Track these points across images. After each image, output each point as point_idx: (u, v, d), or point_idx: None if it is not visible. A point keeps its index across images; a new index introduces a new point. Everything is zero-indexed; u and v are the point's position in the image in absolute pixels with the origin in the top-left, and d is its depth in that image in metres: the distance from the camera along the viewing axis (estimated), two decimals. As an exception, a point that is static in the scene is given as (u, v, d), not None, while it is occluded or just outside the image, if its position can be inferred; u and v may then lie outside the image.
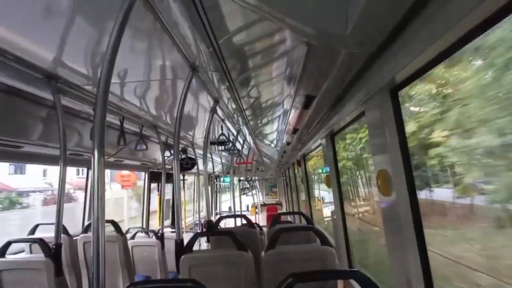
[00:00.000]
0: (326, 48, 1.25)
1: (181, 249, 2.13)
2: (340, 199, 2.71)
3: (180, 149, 4.87)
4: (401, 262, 1.34)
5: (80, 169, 8.50)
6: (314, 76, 1.63)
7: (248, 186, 10.02)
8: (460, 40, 0.97)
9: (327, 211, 4.86)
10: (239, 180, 8.77)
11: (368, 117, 1.58)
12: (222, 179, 10.70)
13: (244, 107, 2.83)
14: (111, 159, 4.00)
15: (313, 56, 1.35)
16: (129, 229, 4.47)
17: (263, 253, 2.15)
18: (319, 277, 1.27)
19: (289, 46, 1.53)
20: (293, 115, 2.71)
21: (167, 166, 4.30)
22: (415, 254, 1.27)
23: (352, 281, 2.15)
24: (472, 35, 0.94)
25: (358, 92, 1.63)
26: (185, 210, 7.03)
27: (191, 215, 8.65)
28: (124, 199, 11.14)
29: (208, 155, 3.76)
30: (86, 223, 3.91)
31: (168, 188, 6.10)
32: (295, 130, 3.21)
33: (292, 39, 1.41)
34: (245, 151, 6.63)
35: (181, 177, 5.95)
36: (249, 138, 4.98)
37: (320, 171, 5.33)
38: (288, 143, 4.34)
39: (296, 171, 6.60)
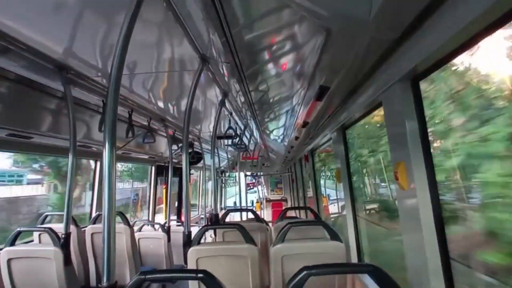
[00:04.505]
0: (345, 34, 1.20)
1: (189, 241, 2.13)
2: (351, 194, 2.67)
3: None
4: (420, 260, 1.30)
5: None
6: (331, 65, 1.58)
7: (253, 181, 10.03)
8: (488, 28, 0.91)
9: (335, 208, 4.82)
10: (245, 175, 8.78)
11: (386, 108, 1.53)
12: (228, 174, 10.72)
13: (253, 101, 2.79)
14: (119, 152, 4.01)
15: (331, 44, 1.31)
16: (135, 221, 4.51)
17: (271, 247, 2.13)
18: (333, 270, 1.23)
19: (305, 36, 1.48)
20: (303, 108, 2.66)
21: (173, 160, 4.31)
22: (435, 252, 1.23)
23: (363, 277, 2.13)
24: (500, 23, 0.89)
25: (376, 82, 1.58)
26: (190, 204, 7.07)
27: (195, 209, 8.70)
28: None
29: (215, 149, 3.76)
30: (94, 214, 3.94)
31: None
32: (304, 124, 3.16)
33: (310, 28, 1.36)
34: (251, 146, 6.60)
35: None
36: (256, 132, 4.94)
37: (329, 166, 5.28)
38: (296, 138, 4.30)
39: (303, 167, 6.55)
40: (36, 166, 5.92)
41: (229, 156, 8.44)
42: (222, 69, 2.13)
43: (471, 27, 0.91)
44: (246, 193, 8.11)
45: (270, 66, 2.07)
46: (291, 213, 5.99)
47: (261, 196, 10.62)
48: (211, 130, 3.63)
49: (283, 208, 8.85)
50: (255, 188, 11.02)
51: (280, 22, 1.41)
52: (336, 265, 1.33)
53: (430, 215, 1.25)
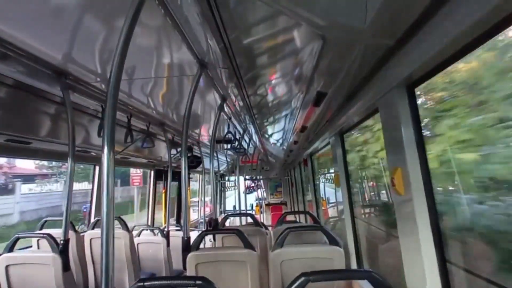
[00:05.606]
0: (341, 42, 1.21)
1: (188, 246, 2.12)
2: (349, 198, 2.67)
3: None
4: (417, 265, 1.30)
5: None
6: (327, 72, 1.60)
7: (253, 185, 10.02)
8: (483, 35, 0.93)
9: (334, 211, 4.81)
10: (245, 179, 8.77)
11: (382, 114, 1.54)
12: (227, 177, 10.71)
13: (252, 105, 2.80)
14: (118, 156, 4.01)
15: (327, 51, 1.32)
16: (134, 226, 4.48)
17: (270, 252, 2.13)
18: (332, 277, 1.24)
19: (302, 42, 1.49)
20: (302, 113, 2.67)
21: (173, 164, 4.30)
22: (432, 256, 1.23)
23: (362, 283, 2.12)
24: (495, 30, 0.90)
25: (372, 89, 1.59)
26: (189, 208, 7.05)
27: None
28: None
29: (214, 153, 3.75)
30: (93, 219, 3.92)
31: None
32: (303, 129, 3.17)
33: (306, 34, 1.38)
34: (250, 150, 6.60)
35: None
36: (255, 136, 4.95)
37: (328, 170, 5.28)
38: (295, 142, 4.31)
39: (303, 170, 6.56)
40: None
41: (229, 160, 8.43)
42: (221, 74, 2.14)
43: (465, 35, 0.93)
44: (245, 196, 8.08)
45: (268, 71, 2.09)
46: (291, 217, 5.98)
47: (259, 196, 10.61)
48: (210, 134, 3.64)
49: (283, 211, 8.83)
50: (255, 193, 11.02)
51: (277, 28, 1.42)
52: (334, 271, 1.33)
53: (427, 219, 1.26)
